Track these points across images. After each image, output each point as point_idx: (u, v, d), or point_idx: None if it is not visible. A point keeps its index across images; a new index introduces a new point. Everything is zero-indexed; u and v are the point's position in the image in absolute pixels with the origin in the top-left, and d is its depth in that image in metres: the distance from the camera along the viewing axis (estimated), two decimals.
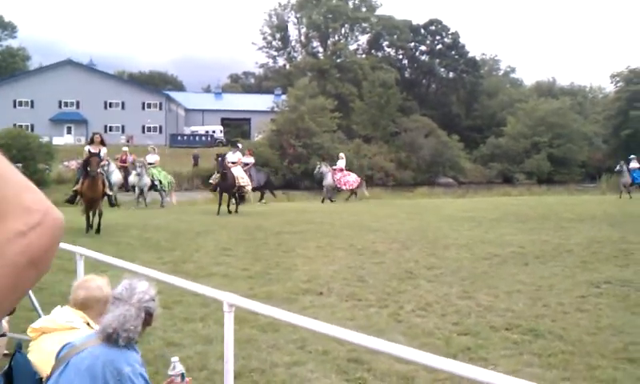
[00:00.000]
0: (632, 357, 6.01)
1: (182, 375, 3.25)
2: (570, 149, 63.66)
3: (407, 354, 3.02)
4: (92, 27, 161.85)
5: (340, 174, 26.98)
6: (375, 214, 20.35)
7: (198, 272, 9.92)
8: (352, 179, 27.18)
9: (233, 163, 21.20)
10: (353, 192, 26.91)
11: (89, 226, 14.48)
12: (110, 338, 2.74)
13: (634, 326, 7.08)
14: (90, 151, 14.65)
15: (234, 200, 20.17)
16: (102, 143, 16.01)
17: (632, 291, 8.84)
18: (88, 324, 3.47)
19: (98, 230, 14.34)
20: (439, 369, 2.96)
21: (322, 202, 26.07)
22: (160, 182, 24.10)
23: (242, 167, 25.89)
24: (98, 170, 14.47)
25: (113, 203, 16.96)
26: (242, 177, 20.60)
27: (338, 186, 26.73)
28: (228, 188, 19.62)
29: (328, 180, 26.59)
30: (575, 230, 15.30)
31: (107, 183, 15.47)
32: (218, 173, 19.81)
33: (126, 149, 28.39)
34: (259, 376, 5.51)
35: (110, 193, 15.93)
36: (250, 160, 26.34)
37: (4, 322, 4.09)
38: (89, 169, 14.19)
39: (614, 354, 6.08)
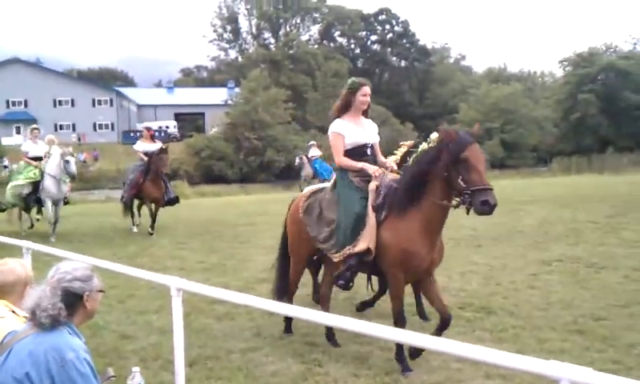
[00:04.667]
0: (581, 329, 6.17)
1: None
2: (522, 134, 64.79)
3: (359, 328, 3.03)
4: (35, 28, 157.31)
5: None
6: None
7: (152, 265, 9.81)
8: None
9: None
10: None
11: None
12: (34, 320, 2.72)
13: (583, 300, 7.27)
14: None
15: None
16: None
17: (581, 267, 9.08)
18: (14, 312, 3.39)
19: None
20: (391, 340, 3.00)
21: None
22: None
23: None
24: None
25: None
26: None
27: None
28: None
29: None
30: (527, 211, 15.58)
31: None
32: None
33: None
34: (214, 362, 5.51)
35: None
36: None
37: None
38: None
39: (563, 327, 6.23)
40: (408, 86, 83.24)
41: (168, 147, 14.64)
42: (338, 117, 5.97)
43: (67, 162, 13.24)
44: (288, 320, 6.27)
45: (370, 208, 5.41)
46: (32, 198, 13.80)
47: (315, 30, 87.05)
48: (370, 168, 5.61)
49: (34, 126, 15.49)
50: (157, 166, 13.69)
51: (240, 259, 10.68)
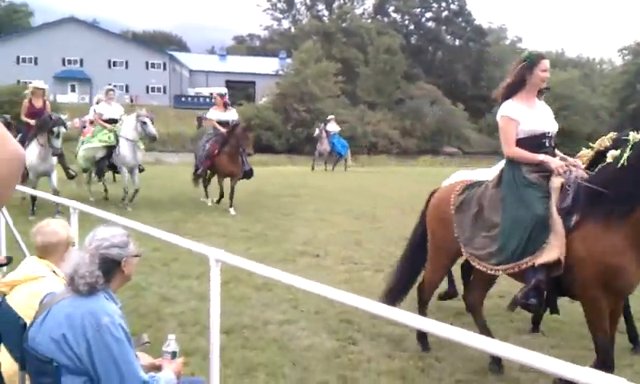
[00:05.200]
0: (621, 328, 6.03)
1: (174, 353, 3.18)
2: (576, 121, 63.28)
3: (393, 315, 2.98)
4: None
5: None
6: (376, 180, 20.35)
7: (196, 232, 9.96)
8: None
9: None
10: None
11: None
12: (72, 285, 2.78)
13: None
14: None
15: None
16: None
17: None
18: (54, 272, 3.50)
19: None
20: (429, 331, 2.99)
21: None
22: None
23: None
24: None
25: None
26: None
27: None
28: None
29: None
30: None
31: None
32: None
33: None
34: (251, 332, 5.59)
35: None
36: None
37: None
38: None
39: None
40: (462, 65, 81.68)
41: (250, 125, 14.20)
42: (508, 98, 4.89)
43: (144, 123, 12.26)
44: (423, 337, 5.45)
45: (554, 210, 4.36)
46: (104, 164, 12.84)
47: (369, 3, 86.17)
48: (553, 162, 4.57)
49: (109, 87, 14.17)
50: (240, 142, 12.60)
51: (283, 230, 10.77)
